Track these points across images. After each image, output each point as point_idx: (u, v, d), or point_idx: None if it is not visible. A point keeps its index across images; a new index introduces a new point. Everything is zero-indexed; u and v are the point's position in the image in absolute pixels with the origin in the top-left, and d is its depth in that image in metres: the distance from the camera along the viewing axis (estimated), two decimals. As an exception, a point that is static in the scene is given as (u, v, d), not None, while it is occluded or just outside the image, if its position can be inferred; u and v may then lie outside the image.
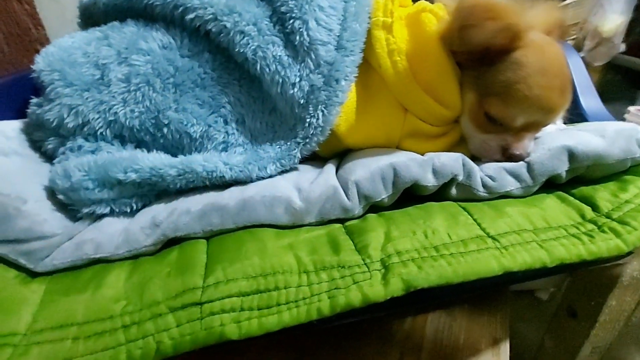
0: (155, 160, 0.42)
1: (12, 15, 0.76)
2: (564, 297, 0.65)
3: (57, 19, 0.86)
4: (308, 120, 0.44)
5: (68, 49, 0.46)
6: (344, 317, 0.34)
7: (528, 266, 0.37)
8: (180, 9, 0.44)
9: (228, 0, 0.43)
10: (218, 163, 0.42)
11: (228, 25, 0.42)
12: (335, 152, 0.51)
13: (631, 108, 1.34)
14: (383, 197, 0.42)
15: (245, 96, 0.46)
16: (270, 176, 0.45)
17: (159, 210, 0.42)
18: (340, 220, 0.42)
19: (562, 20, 0.47)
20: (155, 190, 0.44)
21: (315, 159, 0.51)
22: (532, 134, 0.46)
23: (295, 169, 0.48)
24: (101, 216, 0.43)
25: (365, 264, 0.36)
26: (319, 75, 0.43)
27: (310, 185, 0.43)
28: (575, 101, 0.60)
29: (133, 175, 0.41)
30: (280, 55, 0.42)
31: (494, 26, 0.39)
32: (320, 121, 0.44)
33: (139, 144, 0.45)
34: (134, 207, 0.44)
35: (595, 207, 0.43)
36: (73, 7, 0.54)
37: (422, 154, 0.44)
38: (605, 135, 0.45)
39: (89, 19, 0.52)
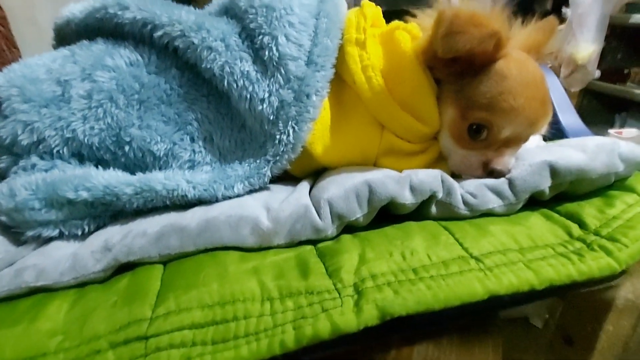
0: (110, 178, 0.39)
1: (-15, 36, 0.75)
2: (559, 324, 0.62)
3: (34, 41, 0.85)
4: (278, 136, 0.42)
5: (32, 65, 0.44)
6: (312, 351, 0.30)
7: (515, 289, 0.34)
8: (149, 26, 0.43)
9: (197, 18, 0.42)
10: (180, 181, 0.40)
11: (195, 41, 0.41)
12: (309, 171, 0.49)
13: (611, 131, 1.37)
14: (358, 216, 0.39)
15: (213, 113, 0.44)
16: (238, 195, 0.42)
17: (113, 233, 0.38)
18: (312, 242, 0.39)
19: (540, 42, 0.47)
20: (110, 211, 0.40)
21: (289, 179, 0.48)
22: (514, 150, 0.45)
23: (267, 188, 0.45)
24: (49, 240, 0.39)
25: (336, 289, 0.32)
26: (289, 91, 0.42)
27: (280, 205, 0.40)
28: (554, 118, 0.60)
29: (84, 194, 0.38)
30: (248, 71, 0.41)
31: (479, 32, 0.38)
32: (291, 138, 0.42)
33: (99, 163, 0.43)
34: (86, 230, 0.40)
35: (582, 224, 0.40)
36: (50, 30, 0.54)
37: (400, 172, 0.42)
38: (586, 150, 0.43)
39: (63, 40, 0.51)
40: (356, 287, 0.33)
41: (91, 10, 0.46)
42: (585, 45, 1.44)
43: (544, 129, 0.46)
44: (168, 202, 0.40)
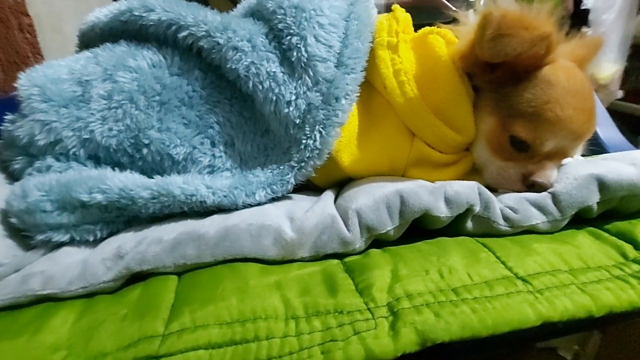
0: (126, 181, 0.37)
1: (12, 43, 0.76)
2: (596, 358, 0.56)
3: (59, 50, 0.87)
4: (304, 141, 0.40)
5: (54, 66, 0.44)
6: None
7: (571, 315, 0.30)
8: (174, 27, 0.42)
9: (223, 19, 0.41)
10: (199, 186, 0.37)
11: (221, 41, 0.40)
12: (334, 182, 0.46)
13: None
14: (388, 228, 0.36)
15: (236, 116, 0.42)
16: (259, 204, 0.40)
17: (126, 239, 0.36)
18: (339, 256, 0.36)
19: (584, 58, 0.44)
20: (124, 216, 0.38)
21: (311, 189, 0.46)
22: (556, 163, 0.41)
23: (289, 197, 0.42)
24: (59, 245, 0.37)
25: (368, 308, 0.29)
26: (317, 93, 0.40)
27: (304, 214, 0.37)
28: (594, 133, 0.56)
29: (99, 197, 0.36)
30: (275, 72, 0.40)
31: (530, 35, 0.36)
32: (317, 143, 0.39)
33: (116, 166, 0.41)
34: (98, 235, 0.38)
35: (637, 245, 0.36)
36: (75, 40, 0.54)
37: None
38: (636, 163, 0.40)
39: (86, 45, 0.51)
40: (391, 308, 0.29)
41: (116, 13, 0.46)
42: (608, 65, 1.41)
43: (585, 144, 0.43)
44: (186, 208, 0.38)
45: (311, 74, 0.39)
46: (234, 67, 0.40)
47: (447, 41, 0.44)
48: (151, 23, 0.43)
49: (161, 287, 0.32)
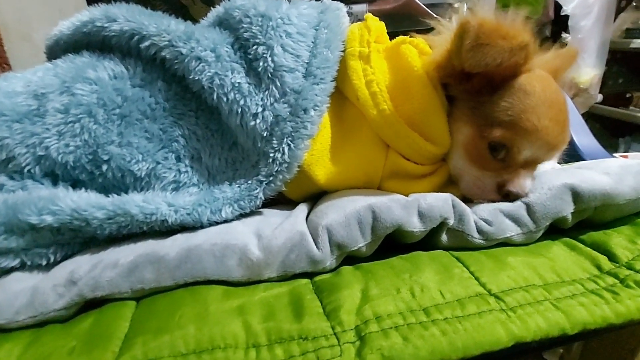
0: (79, 200, 0.35)
1: (-24, 52, 0.73)
2: (580, 363, 0.55)
3: (28, 59, 0.84)
4: (272, 155, 0.38)
5: (10, 78, 0.41)
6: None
7: (544, 333, 0.29)
8: (136, 37, 0.40)
9: (187, 28, 0.40)
10: (160, 204, 0.35)
11: (184, 51, 0.38)
12: (308, 195, 0.45)
13: (616, 155, 1.34)
14: (360, 245, 0.35)
15: (202, 129, 0.40)
16: (226, 220, 0.38)
17: (80, 263, 0.34)
18: (309, 275, 0.35)
19: (559, 69, 0.44)
20: (79, 238, 0.36)
21: (286, 203, 0.44)
22: (530, 172, 0.41)
23: (259, 213, 0.41)
24: (8, 270, 0.35)
25: (334, 333, 0.28)
26: (285, 105, 0.38)
27: (273, 231, 0.35)
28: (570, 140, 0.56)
29: (49, 219, 0.33)
30: (239, 83, 0.38)
31: (509, 44, 0.35)
32: (286, 156, 0.38)
33: (75, 185, 0.38)
34: (52, 259, 0.35)
35: (611, 256, 0.36)
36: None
37: (407, 196, 0.38)
38: (609, 172, 0.40)
39: (54, 59, 0.49)
40: (358, 332, 0.28)
41: (79, 25, 0.44)
42: (587, 70, 1.44)
43: (560, 154, 0.43)
44: (145, 228, 0.36)
45: (278, 84, 0.38)
46: (197, 78, 0.38)
47: (420, 51, 0.43)
48: (113, 34, 0.41)
49: (115, 315, 0.30)
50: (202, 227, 0.37)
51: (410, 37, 0.46)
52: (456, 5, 1.34)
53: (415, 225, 0.36)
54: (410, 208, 0.36)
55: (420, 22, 0.56)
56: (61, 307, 0.31)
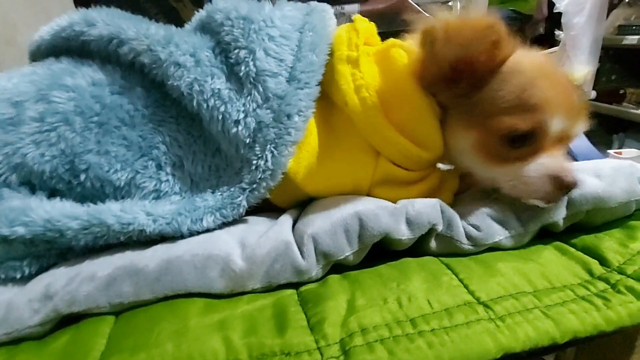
0: (52, 211, 0.33)
1: (-42, 57, 0.71)
2: (575, 363, 0.55)
3: (13, 62, 0.82)
4: (255, 162, 0.37)
5: None
6: None
7: (533, 344, 0.28)
8: (115, 41, 0.39)
9: (167, 32, 0.39)
10: (138, 213, 0.34)
11: (162, 56, 0.37)
12: (295, 202, 0.44)
13: (610, 151, 1.34)
14: (347, 254, 0.34)
15: (184, 135, 0.39)
16: (208, 230, 0.37)
17: (57, 276, 0.32)
18: (294, 285, 0.34)
19: None
20: (54, 250, 0.35)
21: (274, 210, 0.43)
22: (563, 151, 0.38)
23: (244, 221, 0.40)
24: (-18, 285, 0.33)
25: (318, 348, 0.27)
26: (268, 110, 0.37)
27: (257, 240, 0.34)
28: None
29: (21, 230, 0.32)
30: (219, 89, 0.37)
31: (476, 31, 0.34)
32: (269, 163, 0.37)
33: (54, 193, 0.37)
34: (27, 272, 0.34)
35: (603, 261, 0.35)
36: None
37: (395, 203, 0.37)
38: (601, 175, 0.39)
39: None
40: (343, 346, 0.27)
41: (58, 29, 0.42)
42: (580, 67, 1.44)
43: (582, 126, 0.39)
44: (123, 239, 0.35)
45: (261, 89, 0.37)
46: (176, 84, 0.37)
47: (410, 54, 0.42)
48: (92, 38, 0.40)
49: (92, 332, 0.29)
50: (182, 237, 0.36)
51: (402, 37, 0.45)
52: (450, 3, 1.33)
53: (404, 233, 0.35)
54: (398, 215, 0.35)
55: (413, 22, 0.55)
56: (36, 323, 0.30)
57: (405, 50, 0.42)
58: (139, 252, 0.34)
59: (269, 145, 0.37)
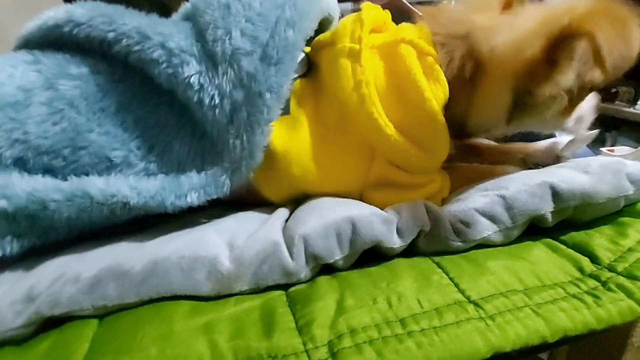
0: (35, 184, 0.33)
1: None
2: (568, 360, 0.55)
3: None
4: (231, 142, 0.37)
5: None
6: None
7: (523, 342, 0.28)
8: (104, 44, 0.39)
9: (140, 24, 0.38)
10: (122, 186, 0.34)
11: (142, 55, 0.37)
12: (290, 197, 0.43)
13: (603, 149, 1.35)
14: (337, 258, 0.34)
15: (175, 118, 0.39)
16: (192, 205, 0.37)
17: (41, 277, 0.32)
18: (283, 285, 0.33)
19: None
20: (37, 227, 0.34)
21: (270, 206, 0.42)
22: None
23: (236, 217, 0.39)
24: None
25: (306, 350, 0.26)
26: (241, 90, 0.37)
27: (246, 241, 0.34)
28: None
29: (3, 203, 0.32)
30: (191, 76, 0.37)
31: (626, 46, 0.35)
32: (245, 143, 0.37)
33: (46, 172, 0.37)
34: (8, 250, 0.34)
35: (593, 258, 0.35)
36: None
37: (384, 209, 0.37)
38: (589, 170, 0.39)
39: None
40: (331, 347, 0.27)
41: (46, 29, 0.42)
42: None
43: None
44: (105, 211, 0.34)
45: (236, 68, 0.36)
46: (157, 81, 0.37)
47: (420, 51, 0.40)
48: (82, 40, 0.40)
49: (76, 336, 0.28)
50: (165, 211, 0.36)
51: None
52: (444, 2, 1.33)
53: (395, 242, 0.35)
54: (390, 224, 0.35)
55: (404, 20, 0.54)
56: (19, 325, 0.29)
57: (414, 45, 0.40)
58: (126, 253, 0.33)
59: (243, 125, 0.36)
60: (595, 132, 0.49)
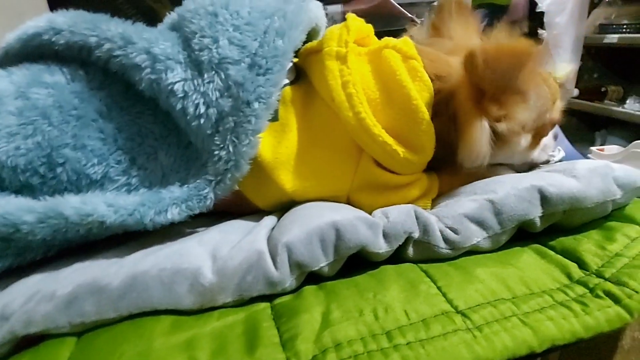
0: (6, 205, 0.32)
1: None
2: (558, 365, 0.55)
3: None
4: (216, 153, 0.36)
5: None
6: None
7: (510, 353, 0.28)
8: (83, 51, 0.38)
9: (125, 31, 0.37)
10: (98, 204, 0.33)
11: (124, 61, 0.36)
12: (278, 204, 0.42)
13: (593, 148, 1.36)
14: (322, 264, 0.33)
15: (160, 127, 0.38)
16: (173, 222, 0.36)
17: (16, 295, 0.31)
18: (268, 297, 0.33)
19: None
20: (13, 248, 0.33)
21: (258, 213, 0.42)
22: None
23: (219, 229, 0.38)
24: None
25: (289, 366, 0.26)
26: (229, 99, 0.36)
27: (229, 251, 0.33)
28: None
29: None
30: (176, 82, 0.36)
31: (510, 58, 0.37)
32: (231, 154, 0.36)
33: (22, 190, 0.36)
34: None
35: (581, 263, 0.35)
36: None
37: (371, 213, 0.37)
38: (576, 175, 0.39)
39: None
40: (315, 363, 0.26)
41: (25, 38, 0.41)
42: (562, 65, 1.46)
43: None
44: (82, 231, 0.33)
45: (222, 76, 0.36)
46: (139, 87, 0.36)
47: (404, 55, 0.41)
48: (62, 48, 0.39)
49: (52, 355, 0.27)
50: (145, 229, 0.34)
51: (395, 37, 0.44)
52: (435, 3, 1.33)
53: (381, 246, 0.34)
54: (376, 228, 0.34)
55: (396, 22, 0.54)
56: (-9, 346, 0.28)
57: (398, 50, 0.41)
58: (103, 268, 0.32)
59: (229, 135, 0.35)
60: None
